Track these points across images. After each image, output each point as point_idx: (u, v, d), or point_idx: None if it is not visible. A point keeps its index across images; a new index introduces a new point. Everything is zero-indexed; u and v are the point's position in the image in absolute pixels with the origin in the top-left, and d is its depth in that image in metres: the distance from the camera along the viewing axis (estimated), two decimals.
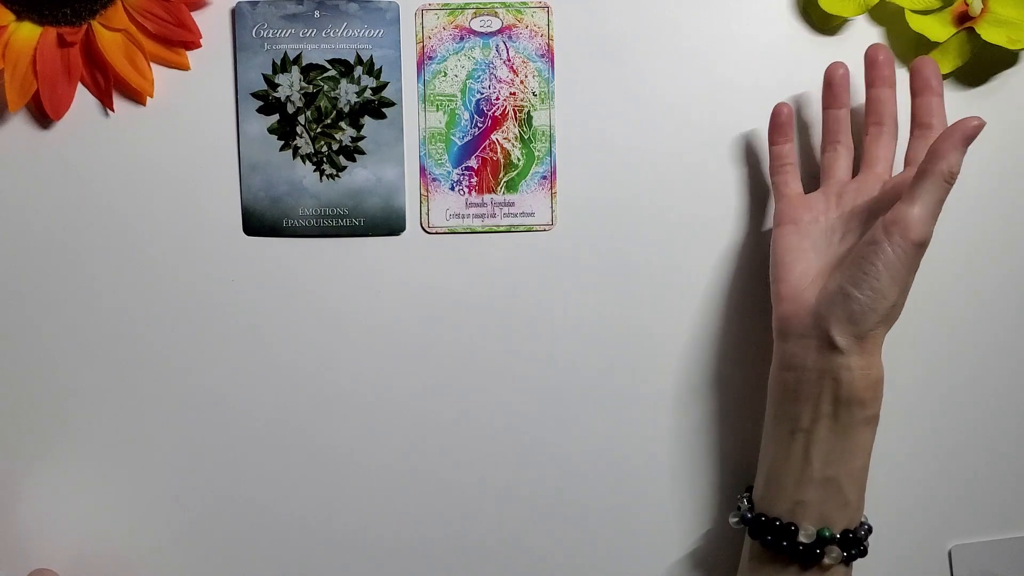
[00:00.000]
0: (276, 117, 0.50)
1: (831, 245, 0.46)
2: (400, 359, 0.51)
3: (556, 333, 0.51)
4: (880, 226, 0.42)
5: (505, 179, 0.50)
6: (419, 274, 0.50)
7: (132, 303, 0.50)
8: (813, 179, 0.50)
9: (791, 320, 0.45)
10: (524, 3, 0.50)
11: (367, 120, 0.50)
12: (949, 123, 0.43)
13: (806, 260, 0.46)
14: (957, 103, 0.51)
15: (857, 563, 0.45)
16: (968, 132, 0.41)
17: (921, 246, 0.42)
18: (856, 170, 0.49)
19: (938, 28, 0.49)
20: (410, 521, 0.51)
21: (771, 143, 0.49)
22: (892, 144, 0.48)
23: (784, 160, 0.49)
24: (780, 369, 0.45)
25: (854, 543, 0.43)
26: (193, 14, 0.48)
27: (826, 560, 0.43)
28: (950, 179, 0.41)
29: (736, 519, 0.47)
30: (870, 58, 0.48)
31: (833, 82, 0.48)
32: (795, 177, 0.49)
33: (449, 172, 0.50)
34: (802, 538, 0.43)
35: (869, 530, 0.45)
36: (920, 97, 0.47)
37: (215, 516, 0.51)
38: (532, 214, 0.51)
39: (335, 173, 0.50)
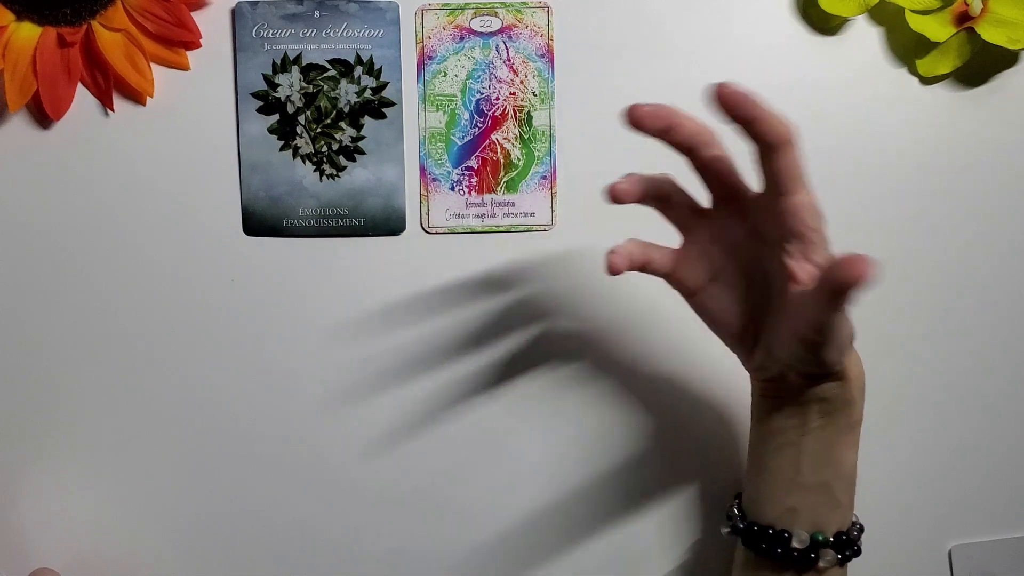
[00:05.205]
0: (276, 117, 0.50)
1: (746, 289, 0.43)
2: (399, 359, 0.51)
3: (555, 334, 0.51)
4: (796, 339, 0.39)
5: (505, 179, 0.50)
6: (419, 274, 0.50)
7: (132, 303, 0.50)
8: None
9: (758, 371, 0.44)
10: (524, 3, 0.50)
11: (367, 120, 0.50)
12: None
13: (736, 319, 0.43)
14: (957, 103, 0.51)
15: (857, 563, 0.45)
16: (850, 283, 0.35)
17: None
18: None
19: (938, 28, 0.49)
20: (408, 524, 0.51)
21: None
22: (724, 156, 0.42)
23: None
24: (760, 395, 0.45)
25: (847, 544, 0.43)
26: (193, 14, 0.48)
27: (821, 563, 0.42)
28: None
29: (728, 529, 0.46)
30: (632, 119, 0.40)
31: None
32: (660, 247, 0.43)
33: (449, 172, 0.50)
34: (796, 544, 0.42)
35: (861, 529, 0.45)
36: (748, 131, 0.39)
37: (215, 515, 0.51)
38: (532, 214, 0.51)
39: (335, 173, 0.50)
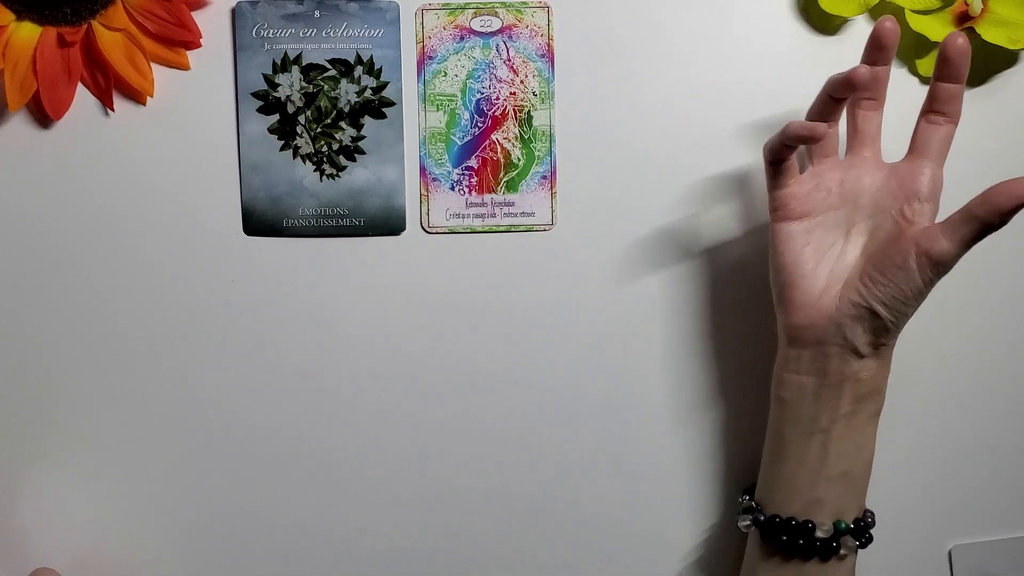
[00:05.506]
0: (276, 117, 0.50)
1: (837, 242, 0.44)
2: (400, 359, 0.51)
3: (556, 333, 0.51)
4: (913, 253, 0.41)
5: (505, 179, 0.50)
6: (419, 274, 0.50)
7: (132, 303, 0.50)
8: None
9: (807, 329, 0.43)
10: (524, 3, 0.50)
11: (367, 120, 0.50)
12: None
13: (815, 261, 0.44)
14: None
15: (857, 563, 0.45)
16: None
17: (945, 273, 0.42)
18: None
19: (938, 28, 0.49)
20: (409, 523, 0.51)
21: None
22: (881, 121, 0.46)
23: (808, 139, 0.42)
24: (793, 373, 0.44)
25: (863, 531, 0.44)
26: (193, 14, 0.48)
27: (842, 551, 0.43)
28: (998, 229, 0.40)
29: (747, 522, 0.46)
30: (878, 33, 0.43)
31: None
32: (796, 166, 0.45)
33: (449, 172, 0.50)
34: (819, 534, 0.43)
35: (873, 516, 0.45)
36: (944, 82, 0.43)
37: (215, 516, 0.51)
38: (532, 214, 0.51)
39: (335, 173, 0.50)
